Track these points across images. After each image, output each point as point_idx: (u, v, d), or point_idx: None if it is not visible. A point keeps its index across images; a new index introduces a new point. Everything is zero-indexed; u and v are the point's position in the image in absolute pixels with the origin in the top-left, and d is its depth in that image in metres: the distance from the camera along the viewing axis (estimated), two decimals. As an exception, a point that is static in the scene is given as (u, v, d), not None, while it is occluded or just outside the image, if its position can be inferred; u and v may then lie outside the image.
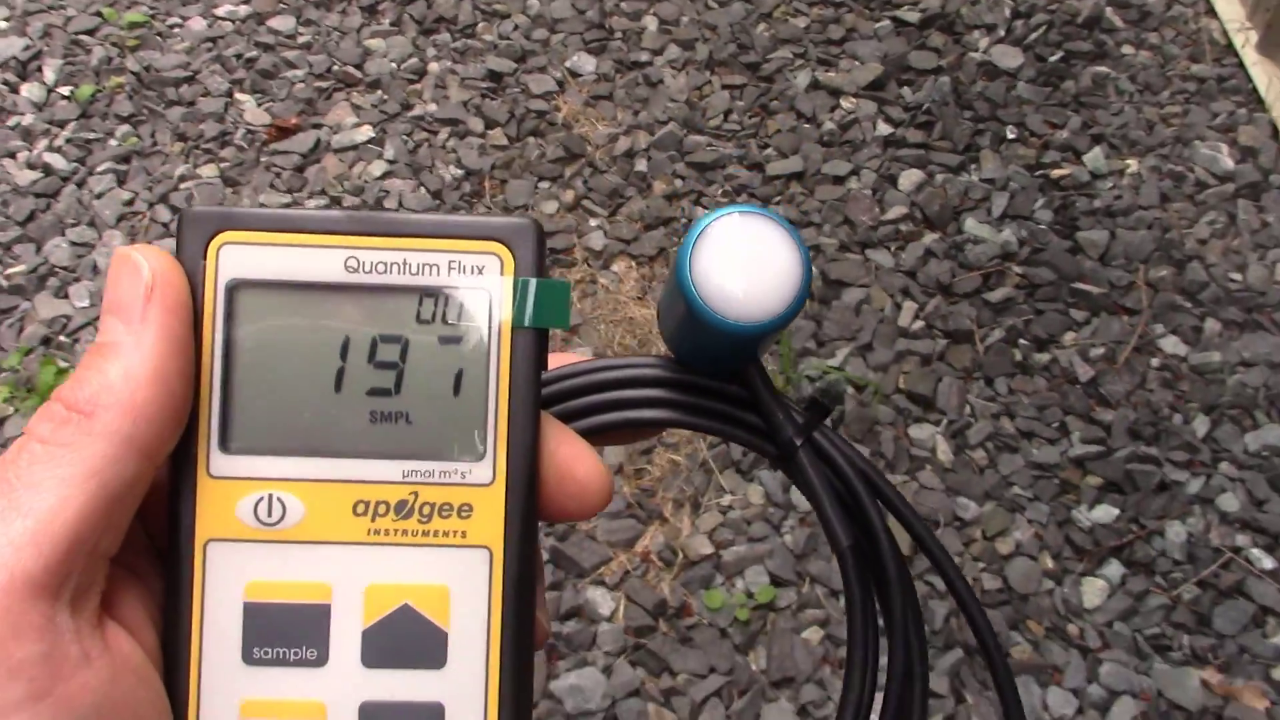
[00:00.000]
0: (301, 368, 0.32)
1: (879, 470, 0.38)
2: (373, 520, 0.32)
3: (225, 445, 0.32)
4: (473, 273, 0.33)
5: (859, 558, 0.37)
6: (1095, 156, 1.99)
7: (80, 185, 1.95)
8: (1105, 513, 1.59)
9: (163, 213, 1.91)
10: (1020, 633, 1.50)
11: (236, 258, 0.32)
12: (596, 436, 0.38)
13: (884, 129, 2.06)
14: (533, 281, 0.33)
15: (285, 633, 0.32)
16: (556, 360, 0.39)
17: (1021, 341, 1.77)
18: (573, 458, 0.34)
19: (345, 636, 0.32)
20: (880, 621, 0.38)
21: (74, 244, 1.87)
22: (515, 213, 1.92)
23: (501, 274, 0.33)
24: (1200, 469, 1.63)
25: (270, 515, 0.32)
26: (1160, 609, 1.51)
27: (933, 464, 1.65)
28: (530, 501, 0.33)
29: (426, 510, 0.33)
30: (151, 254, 0.31)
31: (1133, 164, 1.98)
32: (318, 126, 2.05)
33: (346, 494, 0.32)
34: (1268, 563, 1.53)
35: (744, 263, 0.33)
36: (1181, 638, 1.49)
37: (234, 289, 0.32)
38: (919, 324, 1.79)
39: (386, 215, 0.33)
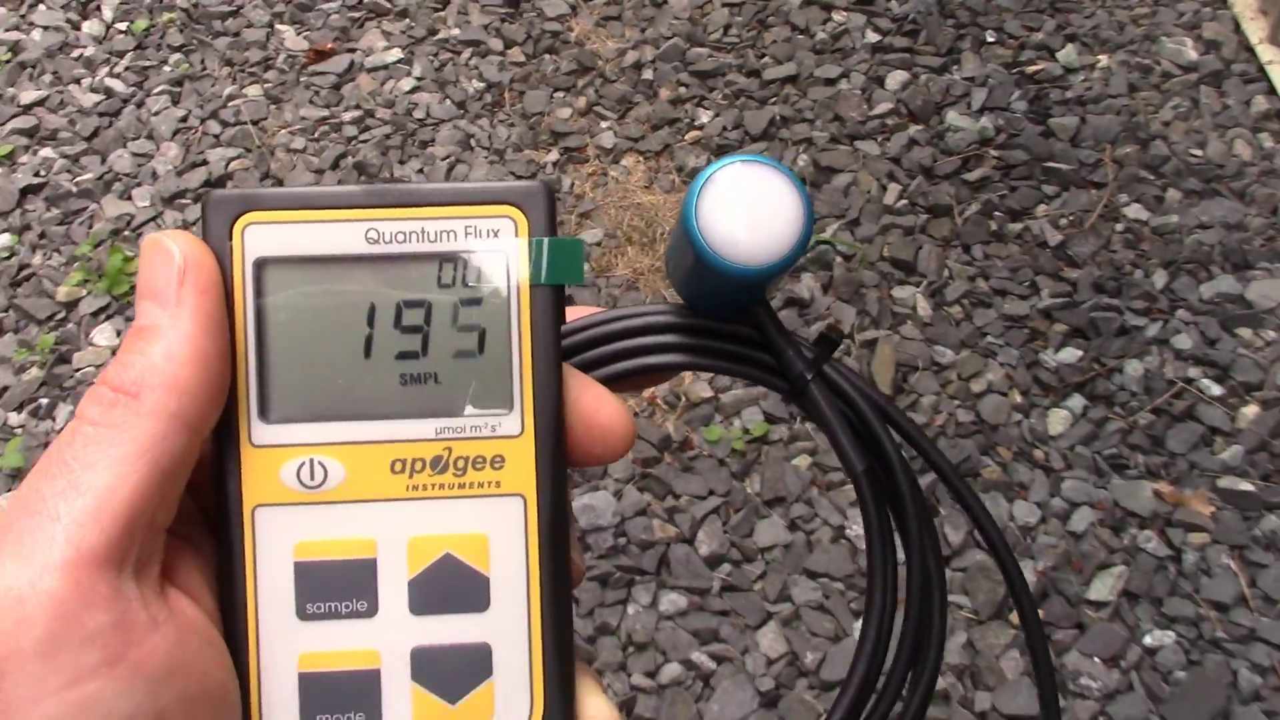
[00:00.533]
0: (331, 337, 0.34)
1: (889, 399, 0.41)
2: (410, 477, 0.34)
3: (265, 415, 0.34)
4: (489, 236, 0.34)
5: (874, 481, 0.38)
6: (1068, 53, 2.14)
7: (139, 106, 2.16)
8: (1070, 354, 1.75)
9: (214, 126, 2.11)
10: (990, 457, 1.66)
11: (261, 237, 0.34)
12: (615, 383, 0.39)
13: (872, 37, 2.22)
14: (546, 240, 0.34)
15: (335, 588, 0.34)
16: (571, 314, 0.40)
17: (996, 214, 1.93)
18: (596, 404, 0.35)
19: (392, 587, 0.34)
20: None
21: (135, 154, 2.07)
22: (532, 120, 2.10)
23: (516, 235, 0.34)
24: (1158, 315, 1.78)
25: (313, 478, 0.34)
26: (1118, 433, 1.66)
27: (913, 319, 1.81)
28: (559, 449, 0.35)
29: (461, 464, 0.34)
30: (181, 239, 0.32)
31: (1103, 59, 2.14)
32: (351, 50, 2.25)
33: (384, 454, 0.34)
34: (1216, 390, 1.69)
35: (747, 209, 0.35)
36: (1137, 457, 1.64)
37: (261, 266, 0.34)
38: (902, 202, 1.96)
39: (402, 187, 0.34)
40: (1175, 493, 1.60)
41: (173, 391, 0.30)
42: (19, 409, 1.74)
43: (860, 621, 0.37)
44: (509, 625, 0.34)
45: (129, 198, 2.01)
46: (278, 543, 0.34)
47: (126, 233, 1.96)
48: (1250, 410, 1.66)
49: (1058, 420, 1.69)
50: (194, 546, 0.34)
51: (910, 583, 0.38)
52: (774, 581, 1.55)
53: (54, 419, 1.73)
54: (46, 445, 1.67)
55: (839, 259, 1.88)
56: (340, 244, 0.34)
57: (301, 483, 0.34)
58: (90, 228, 1.96)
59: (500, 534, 0.34)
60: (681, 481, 1.64)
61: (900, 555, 0.39)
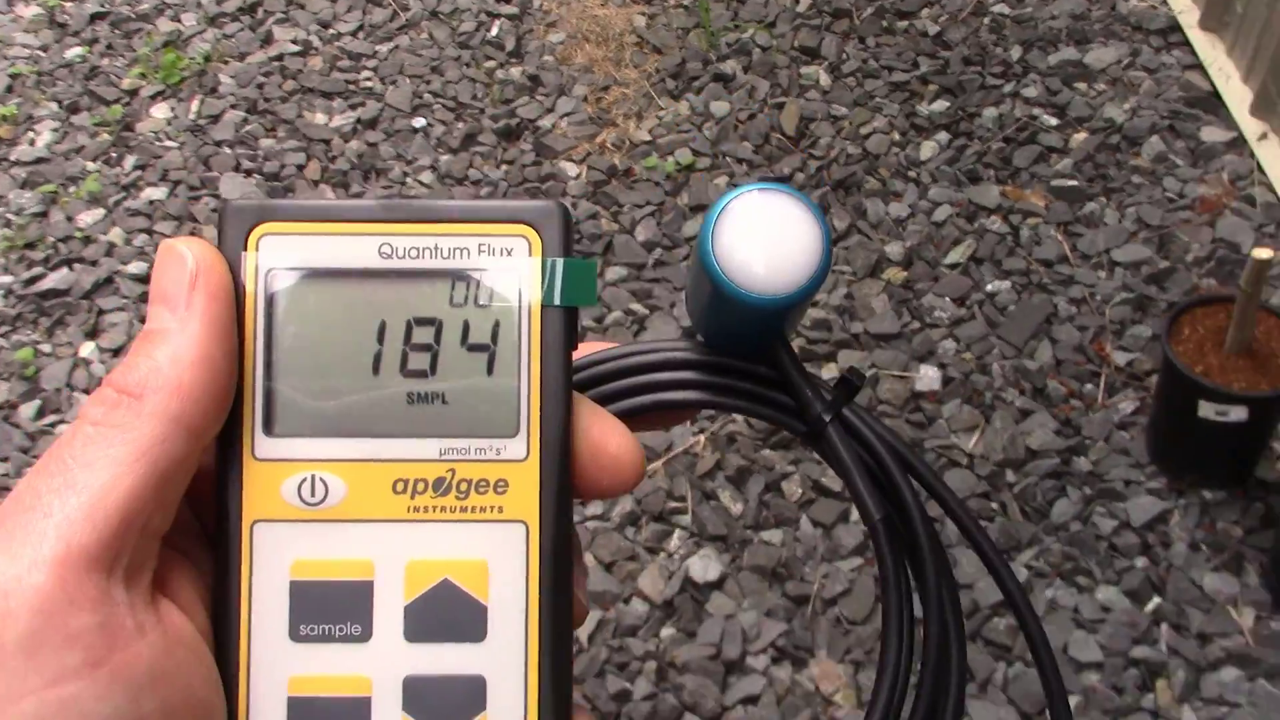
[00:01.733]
0: (340, 352, 0.33)
1: (909, 445, 0.38)
2: (412, 498, 0.33)
3: (269, 428, 0.33)
4: (502, 255, 0.33)
5: (891, 530, 0.37)
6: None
7: (184, -42, 2.61)
8: (940, 106, 2.17)
9: (247, -29, 2.56)
10: (873, 176, 2.07)
11: (276, 247, 0.33)
12: (630, 419, 0.37)
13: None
14: (560, 261, 0.33)
15: (330, 610, 0.33)
16: (586, 349, 0.39)
17: (887, 15, 2.36)
18: (605, 434, 0.34)
19: (388, 612, 0.33)
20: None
21: (183, -10, 2.52)
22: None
23: (530, 255, 0.34)
24: (1013, 77, 2.20)
25: (313, 495, 0.33)
26: (974, 155, 2.08)
27: (816, 88, 2.23)
28: (564, 476, 0.34)
29: (464, 487, 0.33)
30: (195, 245, 0.32)
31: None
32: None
33: (386, 473, 0.33)
34: (1054, 122, 2.10)
35: (764, 237, 0.34)
36: (989, 171, 2.06)
37: (274, 277, 0.33)
38: (812, 10, 2.39)
39: (418, 202, 0.34)
40: (1017, 190, 2.01)
41: (175, 395, 0.30)
42: (94, 160, 2.17)
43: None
44: (505, 658, 0.33)
45: (178, 20, 2.45)
46: (274, 560, 0.33)
47: (178, 43, 2.40)
48: (1080, 136, 2.08)
49: (927, 149, 2.10)
50: (191, 560, 0.33)
51: (927, 634, 0.37)
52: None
53: (122, 166, 2.15)
54: (119, 185, 2.10)
55: (757, 49, 2.31)
56: (353, 257, 0.33)
57: (302, 499, 0.33)
58: (148, 39, 2.40)
59: (500, 561, 0.33)
60: (625, 195, 2.06)
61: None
